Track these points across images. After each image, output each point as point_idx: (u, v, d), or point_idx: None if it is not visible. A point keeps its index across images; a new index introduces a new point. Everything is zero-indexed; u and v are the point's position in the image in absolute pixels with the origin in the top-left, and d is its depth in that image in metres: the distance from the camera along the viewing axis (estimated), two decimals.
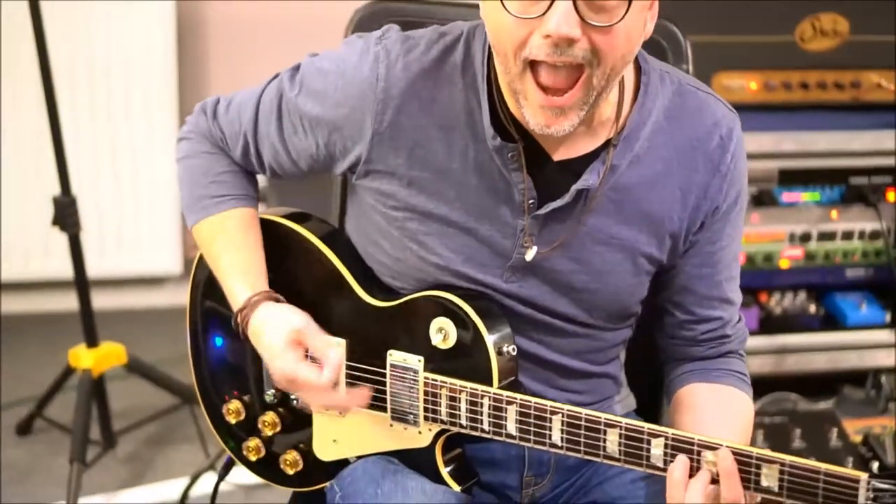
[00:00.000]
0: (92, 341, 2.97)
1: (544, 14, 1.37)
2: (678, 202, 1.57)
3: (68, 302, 3.09)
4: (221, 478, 1.85)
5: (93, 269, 3.02)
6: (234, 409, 1.76)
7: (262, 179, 1.78)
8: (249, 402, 1.75)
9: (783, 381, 3.17)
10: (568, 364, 1.66)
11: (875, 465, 2.65)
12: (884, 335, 3.19)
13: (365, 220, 1.66)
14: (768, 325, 3.14)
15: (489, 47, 1.52)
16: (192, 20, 3.76)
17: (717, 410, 1.61)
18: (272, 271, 1.69)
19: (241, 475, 2.81)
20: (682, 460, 1.42)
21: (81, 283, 2.92)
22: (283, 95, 1.63)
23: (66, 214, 2.83)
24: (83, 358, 2.95)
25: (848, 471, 1.33)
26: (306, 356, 1.59)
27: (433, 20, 1.69)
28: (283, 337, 1.59)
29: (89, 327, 2.97)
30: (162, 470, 3.04)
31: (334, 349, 1.60)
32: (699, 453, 1.41)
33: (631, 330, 1.72)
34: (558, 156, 1.55)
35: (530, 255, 1.56)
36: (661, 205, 1.57)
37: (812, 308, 3.18)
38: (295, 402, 1.71)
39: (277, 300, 1.65)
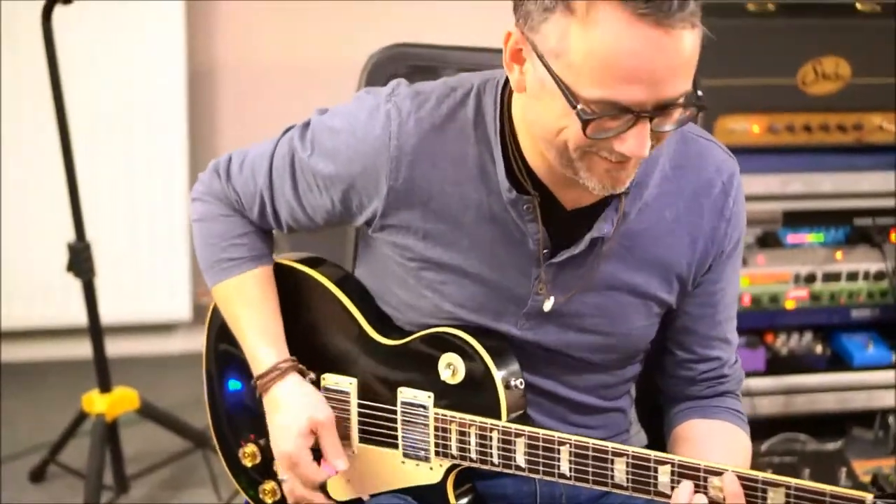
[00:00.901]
0: (105, 386, 2.99)
1: (619, 134, 1.38)
2: (687, 248, 1.61)
3: (80, 349, 3.11)
4: None
5: (103, 317, 3.04)
6: (249, 453, 1.78)
7: None
8: (265, 446, 1.76)
9: (792, 422, 3.18)
10: (580, 399, 1.69)
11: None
12: (891, 375, 3.20)
13: (380, 269, 1.69)
14: (775, 365, 3.16)
15: (501, 101, 1.55)
16: (202, 67, 3.81)
17: (715, 444, 1.64)
18: (287, 314, 1.72)
19: None
20: (686, 485, 1.44)
21: (95, 328, 2.95)
22: (295, 155, 1.65)
23: (80, 260, 2.87)
24: (97, 403, 2.97)
25: (853, 492, 1.35)
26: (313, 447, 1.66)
27: (447, 65, 1.72)
28: (304, 422, 1.64)
29: (102, 372, 2.99)
30: None
31: (343, 459, 1.66)
32: (706, 479, 1.43)
33: (640, 365, 1.75)
34: (571, 205, 1.57)
35: (548, 305, 1.59)
36: (671, 250, 1.60)
37: (818, 348, 3.20)
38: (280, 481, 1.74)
39: (303, 372, 1.69)
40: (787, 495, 1.39)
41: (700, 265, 1.62)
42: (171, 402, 3.27)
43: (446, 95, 1.59)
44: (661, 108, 1.37)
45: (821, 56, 2.94)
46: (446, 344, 1.61)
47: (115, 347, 3.26)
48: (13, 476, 3.19)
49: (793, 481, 1.39)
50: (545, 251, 1.57)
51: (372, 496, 1.70)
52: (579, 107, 1.36)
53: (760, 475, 1.40)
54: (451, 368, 1.60)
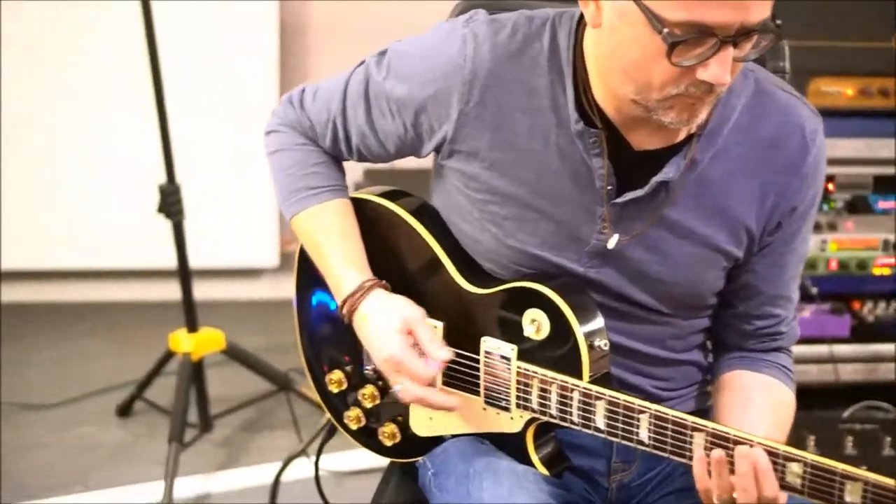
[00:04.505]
0: (192, 326, 3.07)
1: (703, 61, 1.39)
2: (756, 200, 1.59)
3: (167, 291, 3.18)
4: (325, 441, 1.90)
5: (192, 260, 3.11)
6: (336, 380, 1.80)
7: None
8: (351, 374, 1.79)
9: (874, 390, 3.15)
10: (648, 351, 1.68)
11: None
12: None
13: (447, 201, 1.70)
14: (860, 332, 3.13)
15: (575, 34, 1.55)
16: (294, 21, 3.85)
17: (761, 399, 1.63)
18: (371, 251, 1.73)
19: (332, 461, 2.91)
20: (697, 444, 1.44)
21: (184, 268, 3.02)
22: (370, 80, 1.66)
23: (170, 202, 2.94)
24: (183, 342, 3.05)
25: None
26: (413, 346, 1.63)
27: None
28: (396, 323, 1.62)
29: (190, 312, 3.06)
30: (256, 454, 3.10)
31: (443, 349, 1.63)
32: (783, 465, 1.40)
33: (709, 319, 1.73)
34: (639, 146, 1.57)
35: (612, 242, 1.59)
36: (740, 202, 1.59)
37: None
38: (389, 391, 1.74)
39: (387, 288, 1.69)
40: (865, 491, 1.34)
41: (769, 219, 1.60)
42: (253, 346, 3.32)
43: (523, 25, 1.59)
44: (743, 34, 1.38)
45: None
46: (532, 299, 1.60)
47: (202, 291, 3.33)
48: (100, 410, 3.29)
49: (871, 477, 1.34)
50: (609, 188, 1.56)
51: (453, 436, 1.71)
52: (665, 31, 1.37)
53: (840, 467, 1.36)
54: (536, 325, 1.59)
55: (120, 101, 3.69)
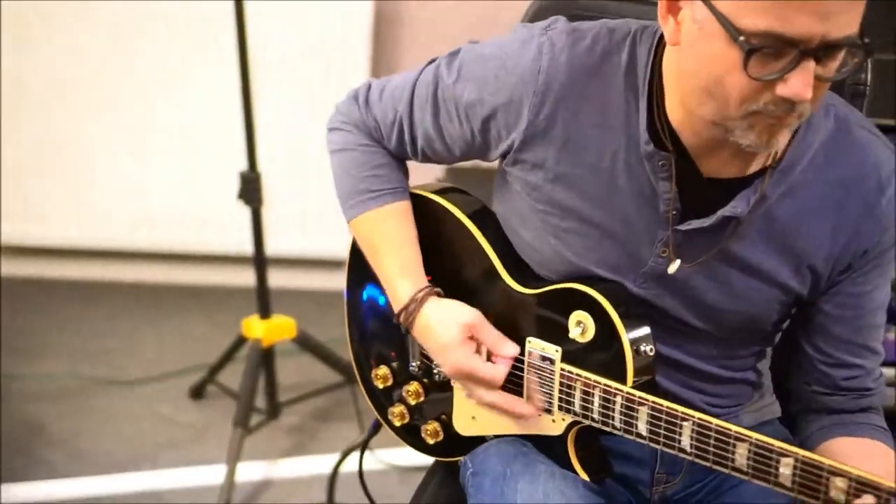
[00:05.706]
0: (265, 313, 3.10)
1: (783, 76, 1.34)
2: (827, 240, 1.54)
3: (247, 277, 3.22)
4: (370, 436, 1.91)
5: (271, 248, 3.17)
6: (381, 375, 1.81)
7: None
8: (397, 370, 1.80)
9: None
10: (700, 367, 1.65)
11: None
12: None
13: (509, 206, 1.68)
14: None
15: (654, 52, 1.52)
16: (387, 14, 3.87)
17: (869, 466, 1.52)
18: (422, 247, 1.73)
19: (395, 455, 2.92)
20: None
21: (259, 255, 3.06)
22: (440, 83, 1.64)
23: (250, 189, 2.99)
24: (255, 328, 3.09)
25: None
26: (478, 350, 1.64)
27: (610, 17, 1.69)
28: (457, 331, 1.62)
29: (263, 299, 3.10)
30: (321, 444, 3.14)
31: (509, 344, 1.63)
32: (827, 479, 1.36)
33: (767, 343, 1.70)
34: (709, 174, 1.53)
35: (673, 268, 1.55)
36: (809, 240, 1.54)
37: None
38: (433, 390, 1.75)
39: (440, 294, 1.69)
40: None
41: (838, 261, 1.55)
42: (327, 336, 3.33)
43: (603, 37, 1.55)
44: (826, 48, 1.33)
45: None
46: (578, 301, 1.58)
47: (279, 279, 3.36)
48: (174, 391, 3.34)
49: None
50: (674, 213, 1.53)
51: (495, 436, 1.71)
52: (741, 38, 1.32)
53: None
54: (581, 326, 1.58)
55: (206, 88, 3.75)
